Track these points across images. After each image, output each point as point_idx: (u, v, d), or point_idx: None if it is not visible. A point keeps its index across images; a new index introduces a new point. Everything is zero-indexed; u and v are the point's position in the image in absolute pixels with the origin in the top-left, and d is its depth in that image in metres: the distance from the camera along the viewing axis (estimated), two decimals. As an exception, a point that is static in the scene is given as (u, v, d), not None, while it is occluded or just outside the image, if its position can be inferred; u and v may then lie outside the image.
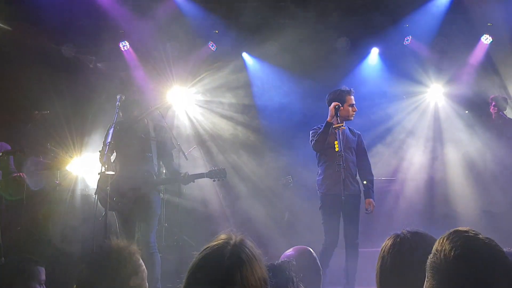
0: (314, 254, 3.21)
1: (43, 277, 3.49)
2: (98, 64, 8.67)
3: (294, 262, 2.63)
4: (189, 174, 5.45)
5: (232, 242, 1.70)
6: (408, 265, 2.01)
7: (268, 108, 9.08)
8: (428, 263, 1.66)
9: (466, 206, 7.27)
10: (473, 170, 7.52)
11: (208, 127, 9.23)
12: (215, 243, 1.71)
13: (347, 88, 5.65)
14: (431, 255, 1.66)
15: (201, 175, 5.49)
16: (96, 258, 2.33)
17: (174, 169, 5.65)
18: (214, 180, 5.59)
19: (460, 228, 1.68)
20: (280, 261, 2.60)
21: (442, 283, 1.60)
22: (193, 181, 5.48)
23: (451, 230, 1.68)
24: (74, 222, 6.94)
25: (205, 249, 1.71)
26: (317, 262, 3.14)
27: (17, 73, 7.77)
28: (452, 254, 1.59)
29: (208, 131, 9.21)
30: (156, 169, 5.45)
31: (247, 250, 1.68)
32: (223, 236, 1.74)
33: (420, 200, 7.76)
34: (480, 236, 1.64)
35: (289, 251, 3.19)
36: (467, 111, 7.97)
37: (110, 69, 8.59)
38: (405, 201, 7.70)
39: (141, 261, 2.34)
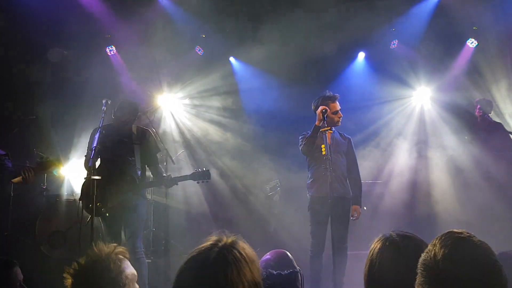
0: (290, 256, 3.22)
1: (21, 276, 3.45)
2: (85, 69, 8.60)
3: (302, 272, 2.62)
4: (173, 176, 5.40)
5: (220, 244, 1.65)
6: (397, 268, 2.01)
7: (256, 112, 9.06)
8: (420, 261, 1.68)
9: (451, 208, 7.31)
10: (458, 174, 7.57)
11: (195, 132, 9.21)
12: (203, 245, 1.67)
13: (331, 94, 5.59)
14: (424, 254, 1.68)
15: (184, 177, 5.41)
16: (80, 267, 2.29)
17: (158, 173, 5.58)
18: (198, 182, 5.50)
19: (455, 230, 1.70)
20: (288, 271, 2.59)
21: (430, 281, 1.62)
22: (177, 184, 5.41)
23: (446, 231, 1.69)
24: (61, 228, 6.90)
25: (193, 251, 1.67)
26: (293, 264, 3.16)
27: (3, 78, 7.71)
28: (441, 253, 1.60)
29: (195, 136, 9.18)
30: (139, 173, 5.38)
31: (236, 252, 1.63)
32: (213, 238, 1.69)
33: (406, 203, 7.78)
34: (473, 238, 1.65)
35: (266, 256, 3.20)
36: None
37: (96, 73, 8.53)
38: (391, 203, 7.72)
39: (124, 265, 2.30)
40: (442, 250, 1.61)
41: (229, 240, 1.68)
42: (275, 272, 2.57)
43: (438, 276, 1.59)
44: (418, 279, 1.66)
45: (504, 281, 1.59)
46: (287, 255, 3.19)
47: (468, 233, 1.68)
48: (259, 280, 1.65)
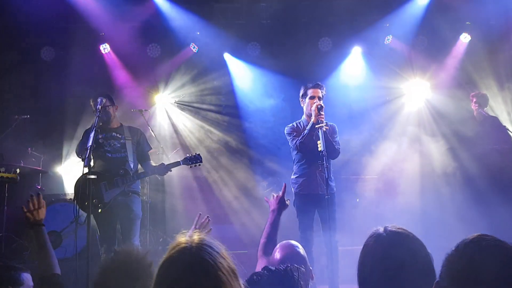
0: (299, 250, 3.10)
1: (31, 283, 3.38)
2: (79, 67, 8.56)
3: (304, 269, 2.57)
4: (165, 164, 5.45)
5: (189, 245, 1.63)
6: (389, 263, 1.99)
7: (251, 109, 9.06)
8: (446, 268, 1.67)
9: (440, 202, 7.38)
10: (452, 172, 7.60)
11: (190, 129, 9.19)
12: (173, 251, 1.64)
13: (311, 83, 5.65)
14: (450, 257, 1.67)
15: (177, 163, 5.47)
16: (117, 265, 2.31)
17: (150, 166, 5.65)
18: (190, 166, 5.54)
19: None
20: (287, 266, 2.52)
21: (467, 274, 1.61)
22: (170, 170, 5.46)
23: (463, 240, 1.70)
24: (56, 228, 6.85)
25: (165, 260, 1.63)
26: (302, 255, 3.05)
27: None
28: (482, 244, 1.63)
29: (190, 133, 9.16)
30: (132, 166, 5.44)
31: (208, 248, 1.62)
32: (180, 241, 1.66)
33: (401, 198, 7.80)
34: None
35: (276, 250, 3.09)
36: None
37: (90, 71, 8.48)
38: (386, 198, 7.73)
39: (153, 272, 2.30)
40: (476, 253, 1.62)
41: (196, 238, 1.66)
42: (274, 268, 2.51)
43: (483, 267, 1.58)
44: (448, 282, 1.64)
45: None
46: (292, 245, 3.08)
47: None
48: (234, 266, 1.66)
